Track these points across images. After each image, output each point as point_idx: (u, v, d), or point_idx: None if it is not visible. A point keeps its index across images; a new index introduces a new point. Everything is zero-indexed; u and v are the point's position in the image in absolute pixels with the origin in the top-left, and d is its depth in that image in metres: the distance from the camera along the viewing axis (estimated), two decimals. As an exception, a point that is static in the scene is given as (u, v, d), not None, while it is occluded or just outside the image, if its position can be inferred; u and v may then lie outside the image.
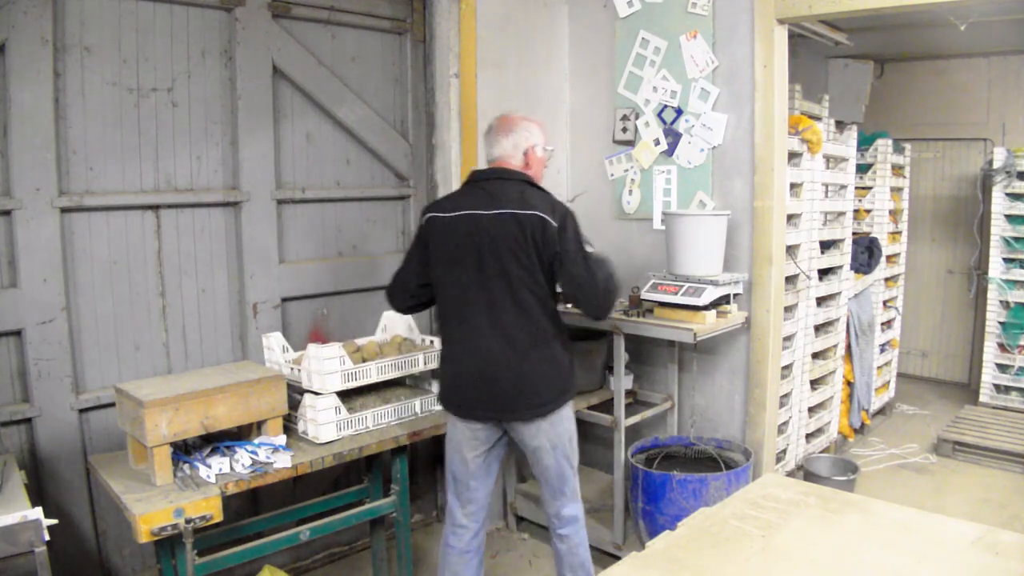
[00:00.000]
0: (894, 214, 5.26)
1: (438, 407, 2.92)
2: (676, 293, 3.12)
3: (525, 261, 2.42)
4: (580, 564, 2.66)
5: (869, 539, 1.64)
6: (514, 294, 2.44)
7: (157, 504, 2.10)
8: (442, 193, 3.62)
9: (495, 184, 2.51)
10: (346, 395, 2.71)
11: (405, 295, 2.67)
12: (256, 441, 2.45)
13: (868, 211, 4.95)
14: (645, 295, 3.22)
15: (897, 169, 5.25)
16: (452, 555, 2.70)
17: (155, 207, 2.88)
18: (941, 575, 1.50)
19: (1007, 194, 5.19)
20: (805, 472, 3.88)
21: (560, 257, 2.42)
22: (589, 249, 2.49)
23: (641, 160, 3.68)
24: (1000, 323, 5.20)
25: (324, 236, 3.39)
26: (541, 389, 2.47)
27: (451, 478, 2.68)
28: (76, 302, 2.73)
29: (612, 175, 3.82)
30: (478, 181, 2.57)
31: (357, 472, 3.34)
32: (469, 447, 2.60)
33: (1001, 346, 5.22)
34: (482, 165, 3.63)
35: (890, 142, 5.03)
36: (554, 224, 2.40)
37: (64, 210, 2.66)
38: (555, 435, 2.54)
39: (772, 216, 3.29)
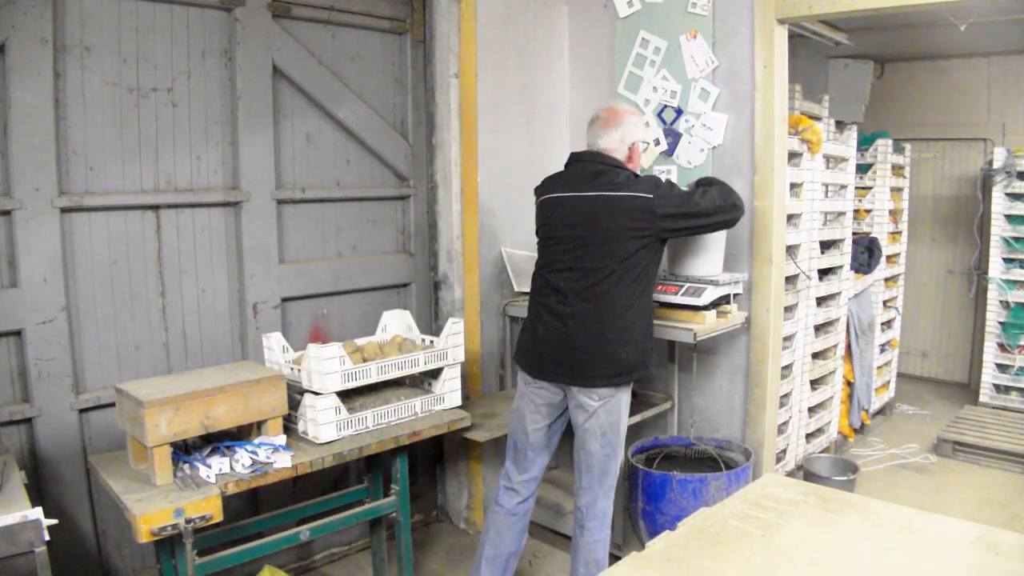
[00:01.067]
0: (894, 214, 5.26)
1: (438, 407, 2.92)
2: (676, 293, 3.12)
3: (617, 246, 2.58)
4: (596, 561, 2.71)
5: (869, 539, 1.64)
6: (604, 277, 2.59)
7: (157, 504, 2.10)
8: (442, 193, 3.63)
9: (599, 168, 2.68)
10: (346, 395, 2.71)
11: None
12: (256, 441, 2.45)
13: (868, 211, 4.95)
14: (645, 295, 3.21)
15: (897, 169, 5.25)
16: (500, 514, 2.87)
17: (155, 207, 2.88)
18: (941, 575, 1.50)
19: (1007, 194, 5.19)
20: (805, 472, 3.88)
21: (672, 220, 2.61)
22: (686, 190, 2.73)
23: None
24: (1000, 323, 5.20)
25: (324, 236, 3.39)
26: (611, 362, 2.60)
27: (511, 445, 2.87)
28: (76, 302, 2.73)
29: (612, 175, 3.82)
30: (584, 162, 2.73)
31: (357, 472, 3.35)
32: (531, 420, 2.78)
33: (1001, 346, 5.22)
34: (488, 163, 3.67)
35: (890, 142, 5.03)
36: (650, 197, 2.57)
37: (64, 210, 2.65)
38: (607, 422, 2.65)
39: (772, 216, 3.29)
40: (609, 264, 2.59)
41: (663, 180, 2.79)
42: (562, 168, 2.83)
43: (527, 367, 2.78)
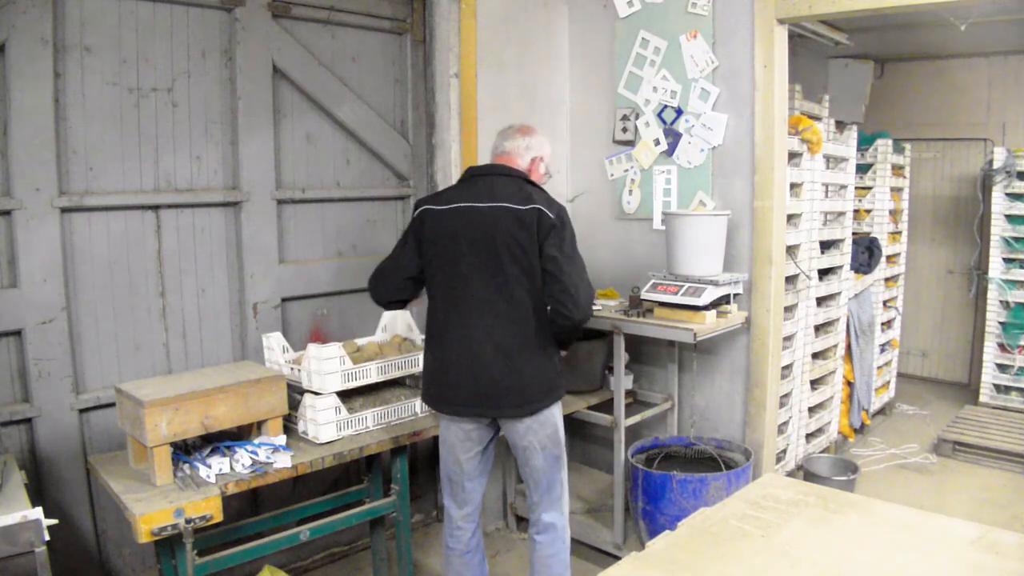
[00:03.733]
0: (894, 214, 5.26)
1: (438, 407, 2.91)
2: (676, 293, 3.12)
3: (521, 257, 2.40)
4: None
5: (869, 539, 1.64)
6: (508, 290, 2.42)
7: (157, 504, 2.10)
8: (442, 193, 3.63)
9: (495, 180, 2.50)
10: (346, 395, 2.71)
11: (391, 288, 2.61)
12: (256, 441, 2.45)
13: (868, 211, 4.95)
14: (645, 295, 3.21)
15: (897, 169, 5.25)
16: (453, 556, 2.71)
17: (155, 207, 2.88)
18: (941, 575, 1.50)
19: (1007, 194, 5.19)
20: (805, 472, 3.88)
21: (553, 255, 2.39)
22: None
23: (641, 160, 3.68)
24: (1000, 323, 5.20)
25: (324, 236, 3.39)
26: (530, 387, 2.46)
27: (446, 479, 2.68)
28: (76, 302, 2.73)
29: (612, 175, 3.83)
30: (476, 176, 2.55)
31: (357, 472, 3.35)
32: (462, 448, 2.59)
33: (1001, 346, 5.22)
34: (484, 161, 3.65)
35: (890, 142, 5.03)
36: (551, 217, 2.39)
37: (64, 210, 2.66)
38: (544, 436, 2.53)
39: (772, 216, 3.29)
40: (511, 284, 2.41)
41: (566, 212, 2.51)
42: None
43: (438, 405, 2.56)
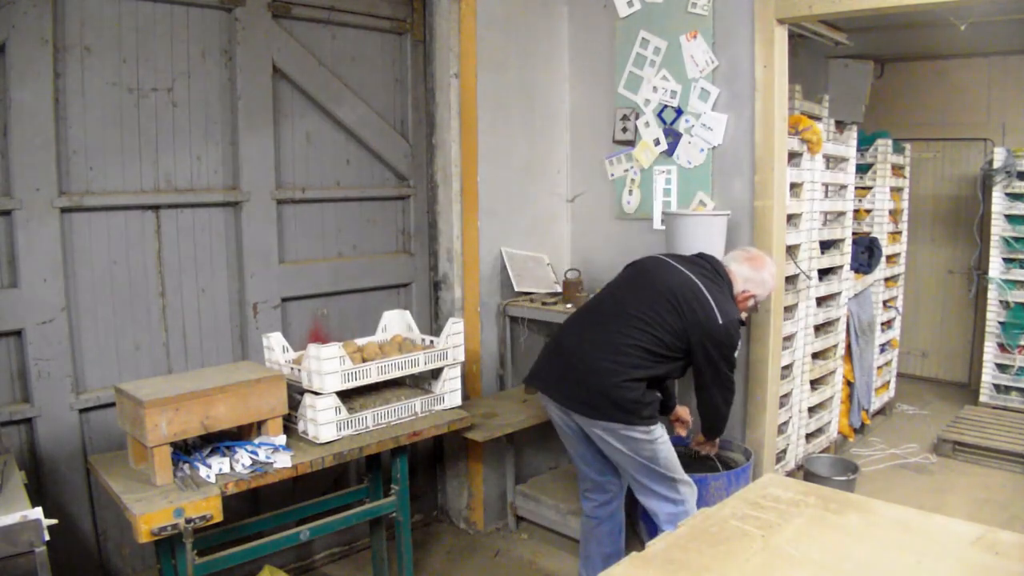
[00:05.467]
0: (894, 214, 5.25)
1: (438, 407, 2.92)
2: (676, 293, 3.12)
3: (668, 314, 2.58)
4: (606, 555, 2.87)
5: (869, 539, 1.64)
6: (639, 319, 2.59)
7: (157, 504, 2.10)
8: (442, 193, 3.63)
9: (711, 275, 2.69)
10: (346, 395, 2.71)
11: None
12: (256, 441, 2.44)
13: (868, 211, 4.95)
14: (645, 295, 3.21)
15: (897, 169, 5.25)
16: (583, 517, 2.99)
17: (155, 207, 2.88)
18: (941, 575, 1.50)
19: (1007, 194, 5.19)
20: (805, 472, 3.88)
21: (699, 364, 2.64)
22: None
23: (641, 160, 3.68)
24: (1000, 323, 5.20)
25: (324, 236, 3.39)
26: (600, 398, 2.58)
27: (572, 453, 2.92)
28: (76, 302, 2.73)
29: (612, 175, 3.82)
30: (704, 259, 2.78)
31: (357, 472, 3.35)
32: (562, 433, 2.82)
33: (1001, 346, 5.22)
34: (488, 163, 3.63)
35: (890, 142, 5.02)
36: (715, 327, 2.56)
37: (64, 210, 2.65)
38: (617, 440, 2.64)
39: (772, 216, 3.29)
40: (640, 329, 2.59)
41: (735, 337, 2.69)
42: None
43: (530, 378, 2.85)
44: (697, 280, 2.63)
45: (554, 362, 2.75)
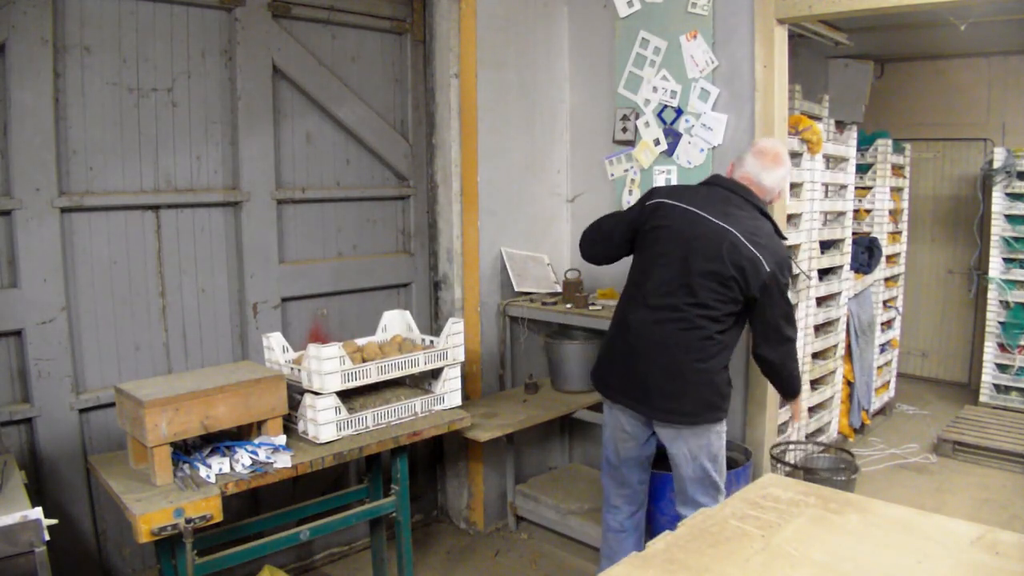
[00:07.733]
0: (894, 214, 5.26)
1: (438, 407, 2.92)
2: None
3: (718, 285, 2.46)
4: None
5: (869, 539, 1.64)
6: (694, 303, 2.48)
7: (157, 504, 2.10)
8: (442, 193, 3.63)
9: (737, 201, 2.55)
10: (346, 395, 2.71)
11: (608, 245, 2.78)
12: (256, 441, 2.44)
13: (868, 211, 4.95)
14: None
15: (897, 169, 5.25)
16: (609, 534, 2.86)
17: (155, 207, 2.88)
18: (941, 575, 1.50)
19: (1007, 194, 5.19)
20: (805, 472, 3.88)
21: (760, 300, 2.49)
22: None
23: (641, 160, 3.68)
24: (1000, 323, 5.20)
25: (324, 236, 3.39)
26: (688, 398, 2.52)
27: (605, 460, 2.82)
28: (76, 302, 2.72)
29: (612, 175, 3.82)
30: (720, 187, 2.61)
31: (357, 472, 3.35)
32: (620, 438, 2.72)
33: (1001, 346, 5.22)
34: (488, 163, 3.61)
35: (890, 142, 5.03)
36: (766, 272, 2.45)
37: (64, 210, 2.65)
38: (697, 446, 2.57)
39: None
40: (700, 300, 2.49)
41: (789, 268, 2.60)
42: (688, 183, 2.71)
43: (600, 387, 2.74)
44: (732, 229, 2.46)
45: (629, 369, 2.60)
